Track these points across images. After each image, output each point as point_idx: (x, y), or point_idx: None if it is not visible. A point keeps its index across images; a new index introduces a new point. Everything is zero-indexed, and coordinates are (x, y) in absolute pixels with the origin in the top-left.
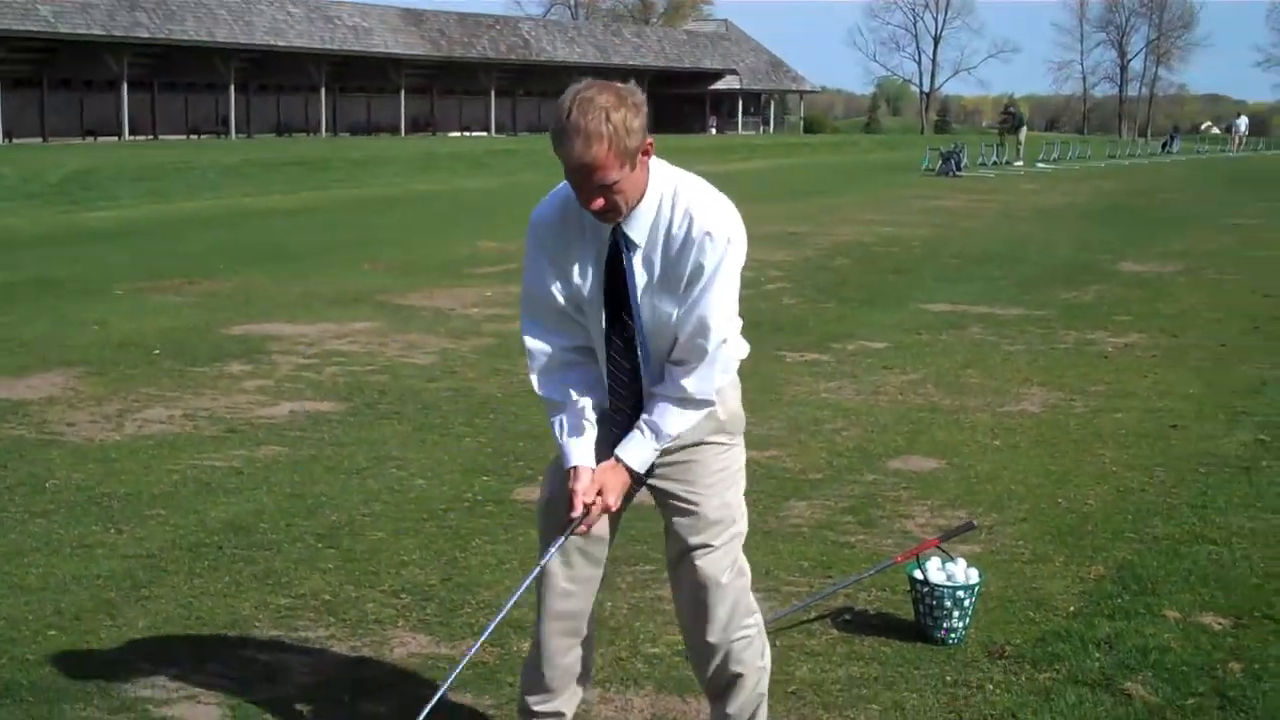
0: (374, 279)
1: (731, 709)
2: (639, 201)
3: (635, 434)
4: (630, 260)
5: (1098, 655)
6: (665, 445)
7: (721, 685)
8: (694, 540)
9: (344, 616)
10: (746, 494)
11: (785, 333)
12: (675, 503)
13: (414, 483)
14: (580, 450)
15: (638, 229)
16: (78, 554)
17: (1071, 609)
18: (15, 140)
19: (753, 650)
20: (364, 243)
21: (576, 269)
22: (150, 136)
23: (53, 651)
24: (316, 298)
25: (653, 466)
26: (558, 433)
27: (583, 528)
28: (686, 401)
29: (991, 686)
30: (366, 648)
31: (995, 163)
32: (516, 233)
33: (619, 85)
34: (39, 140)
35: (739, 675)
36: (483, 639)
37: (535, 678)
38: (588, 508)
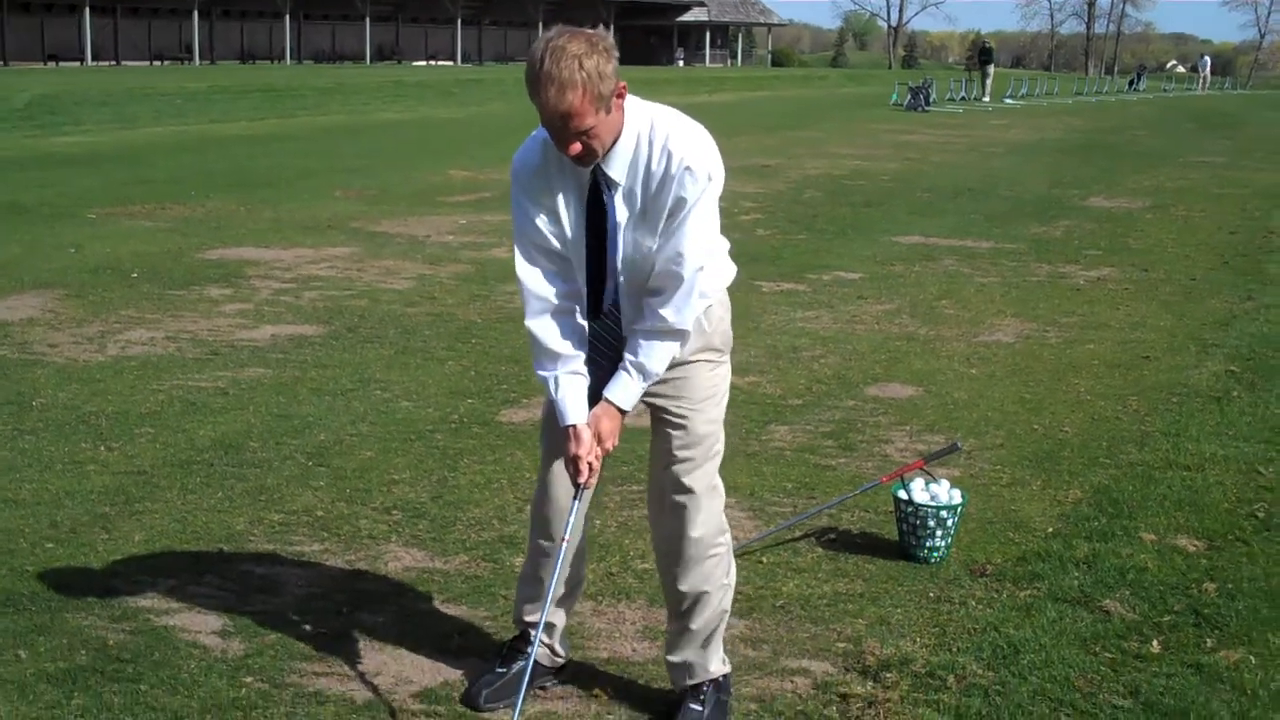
0: (346, 205)
1: (695, 624)
2: (616, 141)
3: (622, 375)
4: (611, 198)
5: (1076, 574)
6: (651, 382)
7: (690, 600)
8: (681, 454)
9: (337, 532)
10: (731, 418)
11: (761, 263)
12: (667, 416)
13: (399, 404)
14: (576, 407)
15: (617, 167)
16: (69, 470)
17: (1050, 530)
18: None
19: (720, 568)
20: (333, 170)
21: (561, 208)
22: (113, 62)
23: (51, 563)
24: (289, 224)
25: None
26: (553, 389)
27: (592, 481)
28: (665, 334)
29: (974, 602)
30: (361, 561)
31: (964, 98)
32: (487, 161)
33: (589, 31)
34: (0, 65)
35: (705, 592)
36: (543, 617)
37: (531, 590)
38: (591, 466)
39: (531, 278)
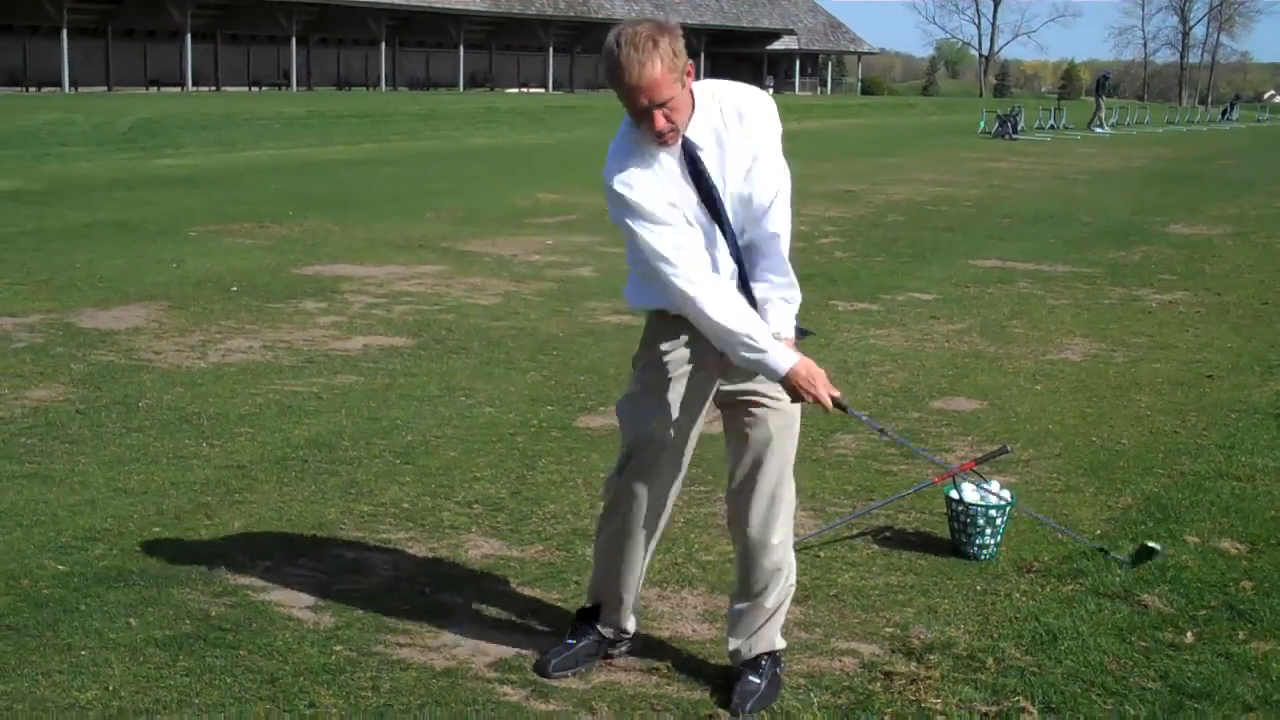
0: (437, 226)
1: (769, 602)
2: (692, 116)
3: (784, 307)
4: (703, 164)
5: (1118, 571)
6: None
7: (767, 577)
8: (772, 429)
9: (422, 522)
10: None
11: (837, 284)
12: (762, 399)
13: (482, 410)
14: (784, 351)
15: (698, 135)
16: (174, 464)
17: (1098, 532)
18: (81, 89)
19: (790, 543)
20: (426, 193)
21: (671, 193)
22: (213, 88)
23: (158, 545)
24: (382, 243)
25: (737, 377)
26: (755, 340)
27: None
28: (789, 287)
29: (1018, 595)
30: (443, 549)
31: (1053, 126)
32: (576, 185)
33: (651, 18)
34: (104, 89)
35: (779, 569)
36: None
37: (608, 570)
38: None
39: (668, 243)
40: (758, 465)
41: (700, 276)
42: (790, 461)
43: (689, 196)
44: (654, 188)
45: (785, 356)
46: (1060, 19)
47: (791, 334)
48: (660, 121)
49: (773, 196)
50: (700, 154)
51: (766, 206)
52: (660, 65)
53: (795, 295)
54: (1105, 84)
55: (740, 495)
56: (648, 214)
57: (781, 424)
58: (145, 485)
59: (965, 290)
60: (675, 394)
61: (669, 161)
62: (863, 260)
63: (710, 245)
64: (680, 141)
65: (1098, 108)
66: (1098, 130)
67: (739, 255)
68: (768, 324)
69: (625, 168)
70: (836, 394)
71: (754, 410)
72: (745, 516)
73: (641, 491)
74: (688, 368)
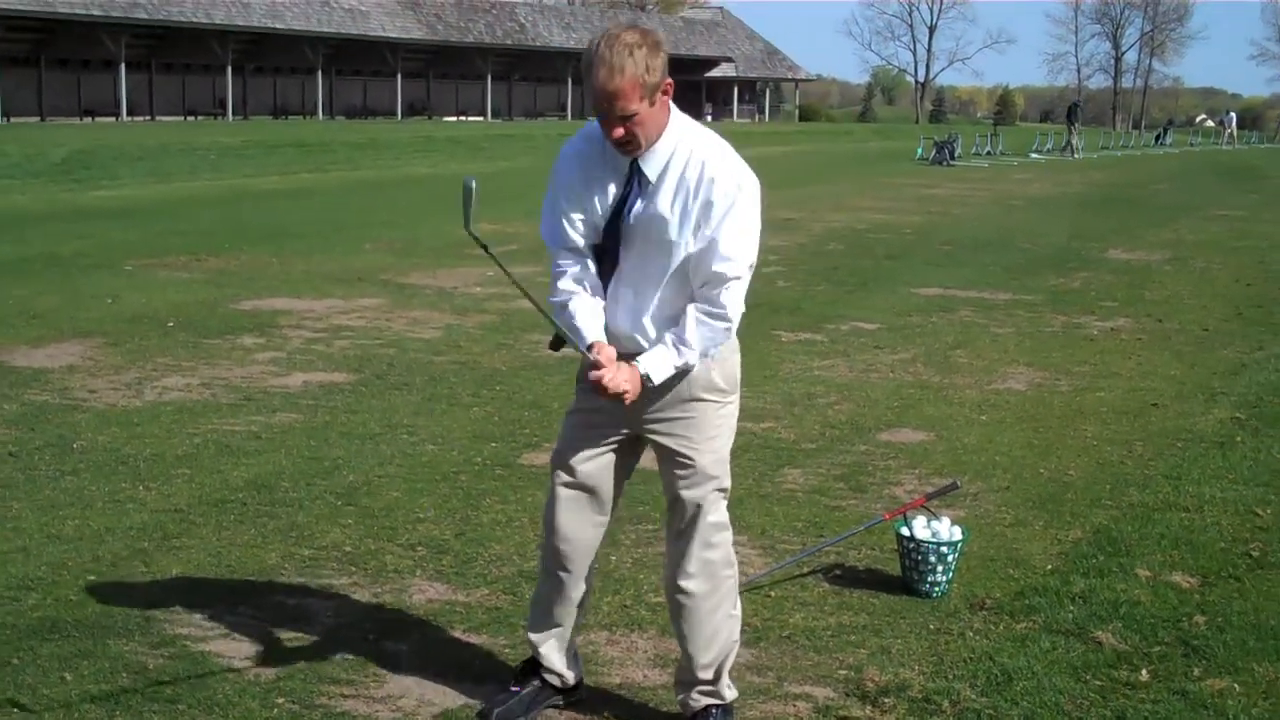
0: (376, 258)
1: (706, 658)
2: (657, 140)
3: (660, 346)
4: (639, 194)
5: (1072, 608)
6: (684, 361)
7: (699, 632)
8: (689, 492)
9: (365, 566)
10: (744, 462)
11: (780, 314)
12: (676, 457)
13: (425, 448)
14: (594, 326)
15: (652, 166)
16: (110, 508)
17: (1049, 567)
18: (13, 119)
19: (729, 601)
20: (365, 224)
21: (594, 197)
22: (148, 117)
23: (93, 594)
24: (321, 275)
25: (656, 422)
26: (572, 317)
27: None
28: (713, 315)
29: (971, 634)
30: (387, 594)
31: (989, 153)
32: (515, 215)
33: (644, 26)
34: (37, 119)
35: (714, 624)
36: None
37: (541, 615)
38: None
39: (558, 255)
40: (680, 519)
41: (563, 283)
42: (714, 501)
43: (609, 206)
44: (581, 171)
45: (593, 330)
46: (995, 45)
47: (650, 372)
48: (617, 131)
49: (719, 267)
50: (642, 188)
51: (712, 274)
52: (628, 77)
53: (689, 344)
54: (1077, 111)
55: (669, 547)
56: (556, 191)
57: (700, 478)
58: (80, 531)
59: (908, 319)
60: (589, 423)
61: (618, 168)
62: (804, 289)
63: (587, 261)
64: (635, 162)
65: (1070, 134)
66: (1077, 156)
67: (610, 291)
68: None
69: (573, 146)
70: (623, 391)
71: (677, 465)
72: (671, 569)
73: (553, 519)
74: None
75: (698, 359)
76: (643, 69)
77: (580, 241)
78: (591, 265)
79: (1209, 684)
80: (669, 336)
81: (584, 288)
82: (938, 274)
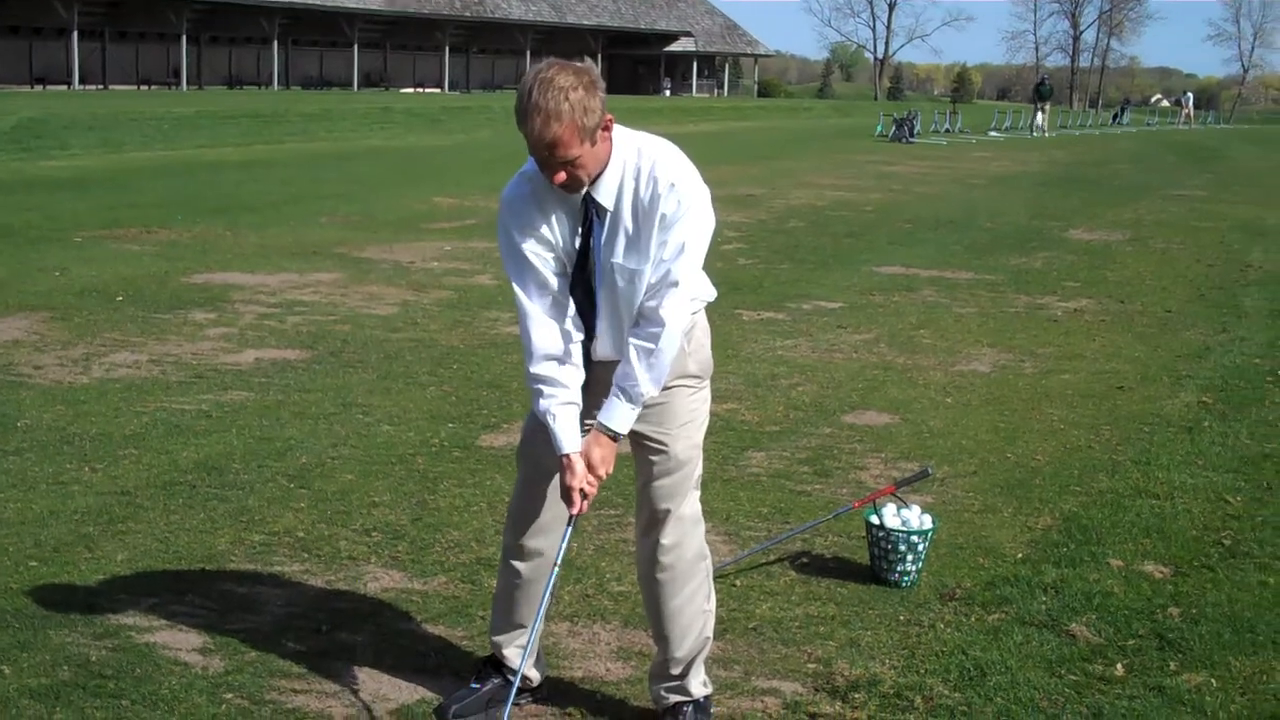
0: (332, 231)
1: (680, 652)
2: (603, 171)
3: (614, 400)
4: (599, 225)
5: (1044, 599)
6: (644, 399)
7: (672, 626)
8: (662, 480)
9: (318, 553)
10: (707, 445)
11: (742, 292)
12: (648, 443)
13: (380, 428)
14: (570, 435)
15: (606, 195)
16: (53, 490)
17: (1019, 556)
18: None
19: (701, 594)
20: (320, 196)
21: (554, 233)
22: (100, 86)
23: (35, 581)
24: (275, 249)
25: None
26: (550, 421)
27: (585, 507)
28: (653, 342)
29: (943, 625)
30: (341, 582)
31: (948, 130)
32: (473, 188)
33: (577, 65)
34: None
35: (687, 618)
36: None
37: (505, 614)
38: (585, 493)
39: (533, 313)
40: (653, 508)
41: (536, 339)
42: (687, 490)
43: (572, 243)
44: (532, 217)
45: (570, 442)
46: (954, 23)
47: (617, 429)
48: (559, 176)
49: (666, 279)
50: (601, 219)
51: (656, 284)
52: (567, 124)
53: (638, 388)
54: (1043, 88)
55: (637, 526)
56: (512, 248)
57: (673, 465)
58: (22, 515)
59: (871, 298)
60: None
61: (569, 201)
62: (766, 267)
63: (564, 304)
64: (584, 195)
65: (1036, 110)
66: (1046, 134)
67: (593, 326)
68: (596, 409)
69: (517, 192)
70: (575, 498)
71: (651, 451)
72: (643, 561)
73: (518, 511)
74: None
75: (657, 389)
76: (580, 112)
77: (553, 281)
78: (566, 307)
79: (1185, 679)
80: (617, 386)
81: (561, 361)
82: (900, 253)
